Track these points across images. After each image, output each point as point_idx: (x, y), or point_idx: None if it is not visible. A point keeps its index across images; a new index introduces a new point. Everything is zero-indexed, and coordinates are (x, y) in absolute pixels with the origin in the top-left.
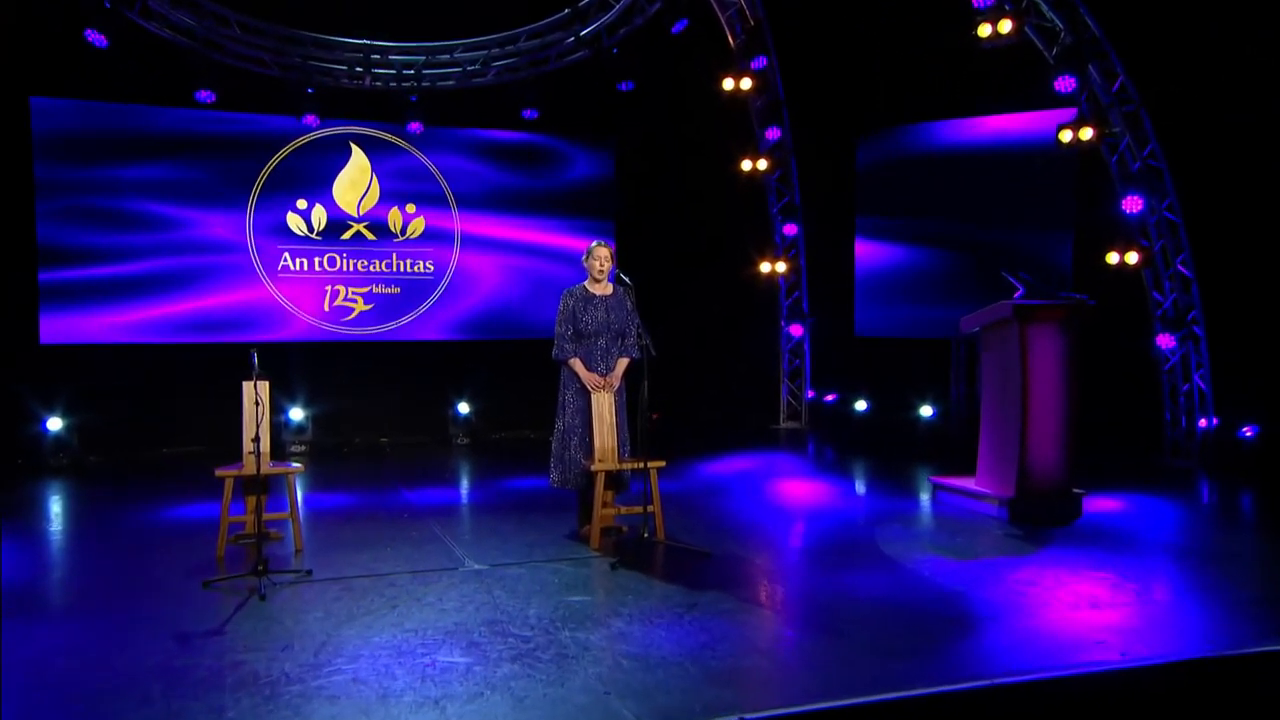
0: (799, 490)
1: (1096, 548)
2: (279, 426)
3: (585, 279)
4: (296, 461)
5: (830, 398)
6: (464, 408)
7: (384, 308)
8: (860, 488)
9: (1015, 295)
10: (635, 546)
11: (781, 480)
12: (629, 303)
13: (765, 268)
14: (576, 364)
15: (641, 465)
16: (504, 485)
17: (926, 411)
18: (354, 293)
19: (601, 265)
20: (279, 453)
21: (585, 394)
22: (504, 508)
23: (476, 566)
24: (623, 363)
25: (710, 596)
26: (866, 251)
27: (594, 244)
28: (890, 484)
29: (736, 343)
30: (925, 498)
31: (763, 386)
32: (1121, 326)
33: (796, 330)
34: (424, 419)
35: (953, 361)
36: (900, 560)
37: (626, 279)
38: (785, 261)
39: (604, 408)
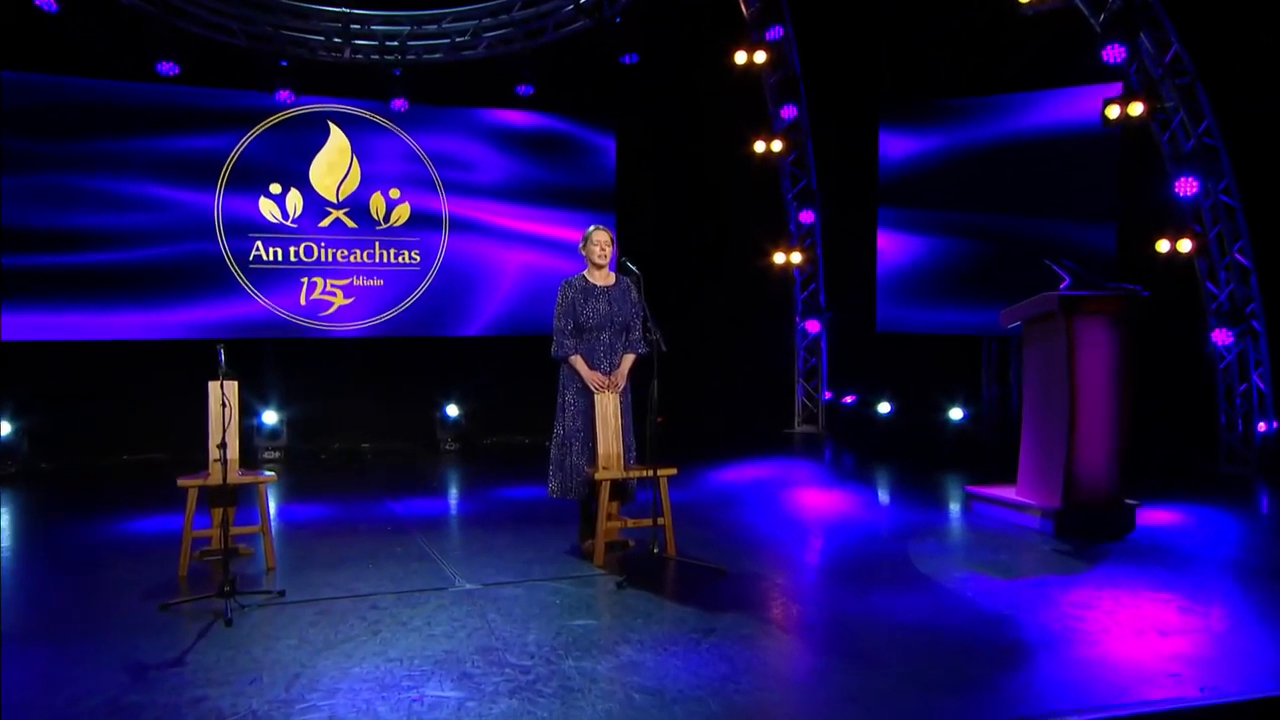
0: (819, 500)
1: (1154, 565)
2: (250, 431)
3: (585, 268)
4: (269, 469)
5: (849, 399)
6: (453, 410)
7: (366, 301)
8: (886, 498)
9: (1061, 286)
10: (643, 563)
11: (799, 489)
12: (634, 293)
13: (779, 258)
14: (577, 361)
15: (650, 473)
16: (497, 495)
17: (956, 415)
18: (333, 285)
19: (602, 251)
20: (249, 460)
21: (587, 394)
22: (498, 520)
23: (468, 586)
24: (628, 359)
25: (729, 620)
26: (890, 240)
27: (592, 229)
28: (919, 494)
29: (747, 340)
30: (959, 509)
31: (775, 387)
32: (1172, 321)
33: (813, 326)
34: (409, 422)
35: (984, 361)
36: (937, 579)
37: (632, 266)
38: (801, 252)
39: (608, 410)
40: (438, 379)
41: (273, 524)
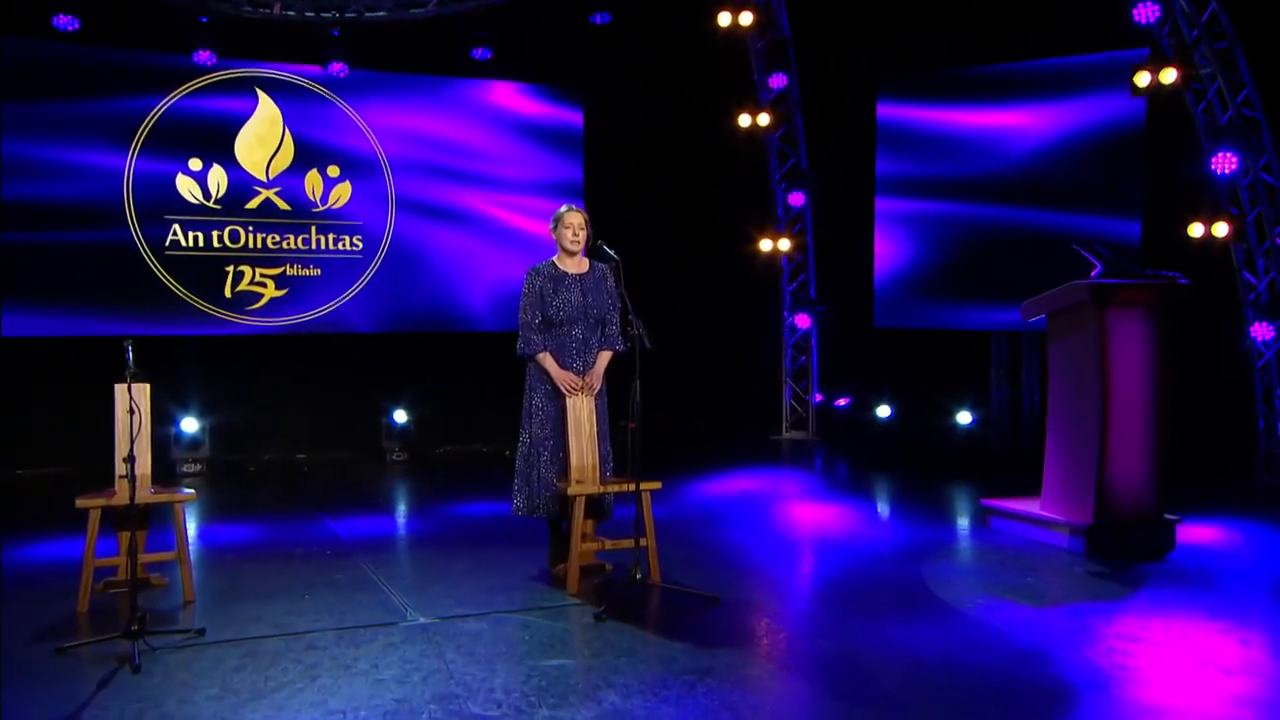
0: (814, 516)
1: (1203, 590)
2: (166, 442)
3: (555, 254)
4: (187, 486)
5: (842, 402)
6: (400, 416)
7: (301, 293)
8: (889, 513)
9: (1092, 273)
10: (624, 591)
11: (791, 503)
12: (611, 281)
13: (765, 245)
14: (547, 360)
15: (631, 487)
16: (453, 512)
17: (964, 419)
18: (263, 275)
19: (575, 235)
20: (165, 475)
21: (558, 397)
22: (454, 541)
23: (422, 620)
24: (604, 357)
25: (726, 658)
26: (889, 226)
27: (563, 209)
28: (926, 508)
29: (729, 336)
30: (973, 525)
31: (761, 389)
32: (1205, 314)
33: (802, 321)
34: (351, 430)
35: (994, 358)
36: (958, 606)
37: (609, 251)
38: (789, 238)
39: (581, 415)
40: (384, 381)
41: (191, 549)
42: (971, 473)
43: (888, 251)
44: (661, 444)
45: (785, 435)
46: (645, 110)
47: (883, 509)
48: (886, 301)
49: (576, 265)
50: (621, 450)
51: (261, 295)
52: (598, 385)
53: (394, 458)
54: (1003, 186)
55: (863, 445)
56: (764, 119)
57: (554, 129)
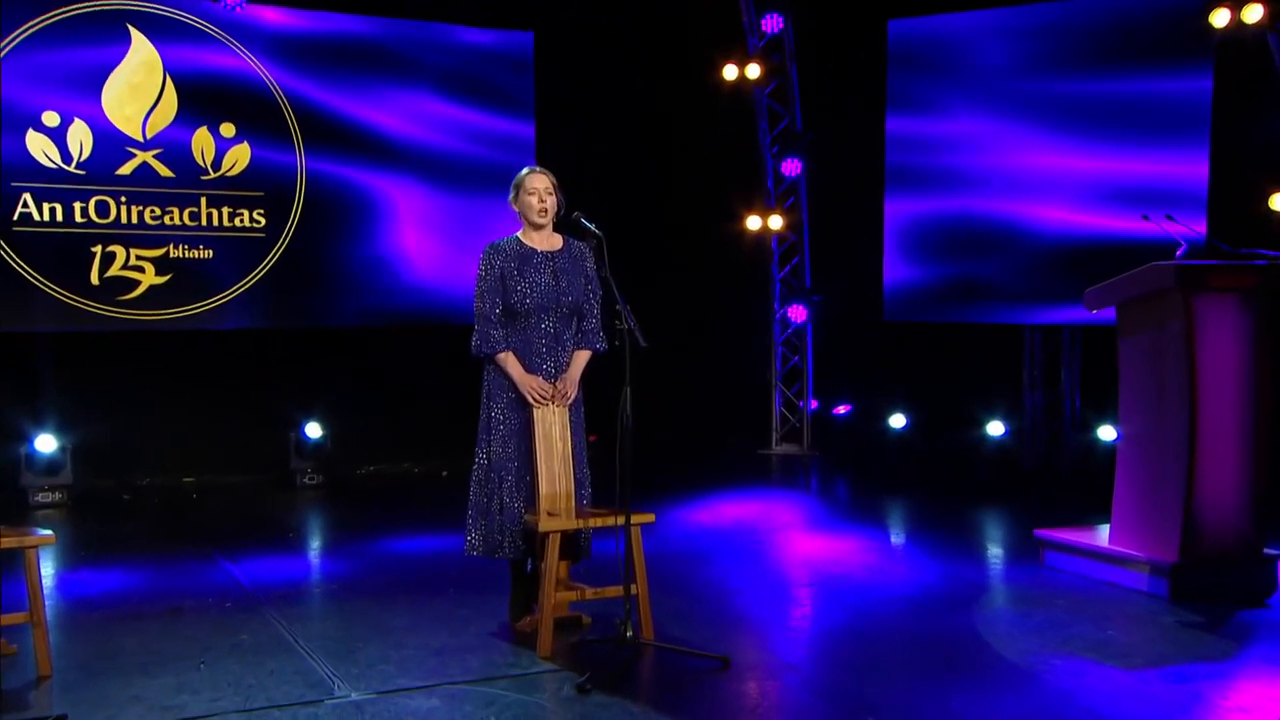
0: (825, 550)
1: None
2: (15, 465)
3: (519, 229)
4: (44, 524)
5: (842, 410)
6: (314, 430)
7: (188, 280)
8: (912, 545)
9: (1177, 253)
10: (611, 653)
11: (794, 534)
12: (590, 262)
13: (752, 223)
14: (509, 361)
15: (617, 520)
16: (385, 550)
17: (995, 429)
18: (140, 257)
19: (541, 204)
20: (15, 509)
21: (523, 408)
22: (389, 588)
23: (354, 696)
24: (581, 358)
25: None
26: (901, 199)
27: (525, 173)
28: (957, 540)
29: (709, 332)
30: (1021, 561)
31: (746, 394)
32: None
33: (796, 314)
34: (252, 447)
35: (1026, 357)
36: (1031, 667)
37: (588, 223)
38: (781, 214)
39: (553, 429)
40: (293, 387)
41: (48, 606)
42: (1004, 495)
43: (900, 229)
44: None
45: (776, 449)
46: (607, 57)
47: (903, 540)
48: (898, 291)
49: (546, 241)
50: (624, 477)
51: (138, 283)
52: (572, 393)
53: (306, 481)
54: (1039, 149)
55: (871, 462)
56: (753, 70)
57: (500, 82)
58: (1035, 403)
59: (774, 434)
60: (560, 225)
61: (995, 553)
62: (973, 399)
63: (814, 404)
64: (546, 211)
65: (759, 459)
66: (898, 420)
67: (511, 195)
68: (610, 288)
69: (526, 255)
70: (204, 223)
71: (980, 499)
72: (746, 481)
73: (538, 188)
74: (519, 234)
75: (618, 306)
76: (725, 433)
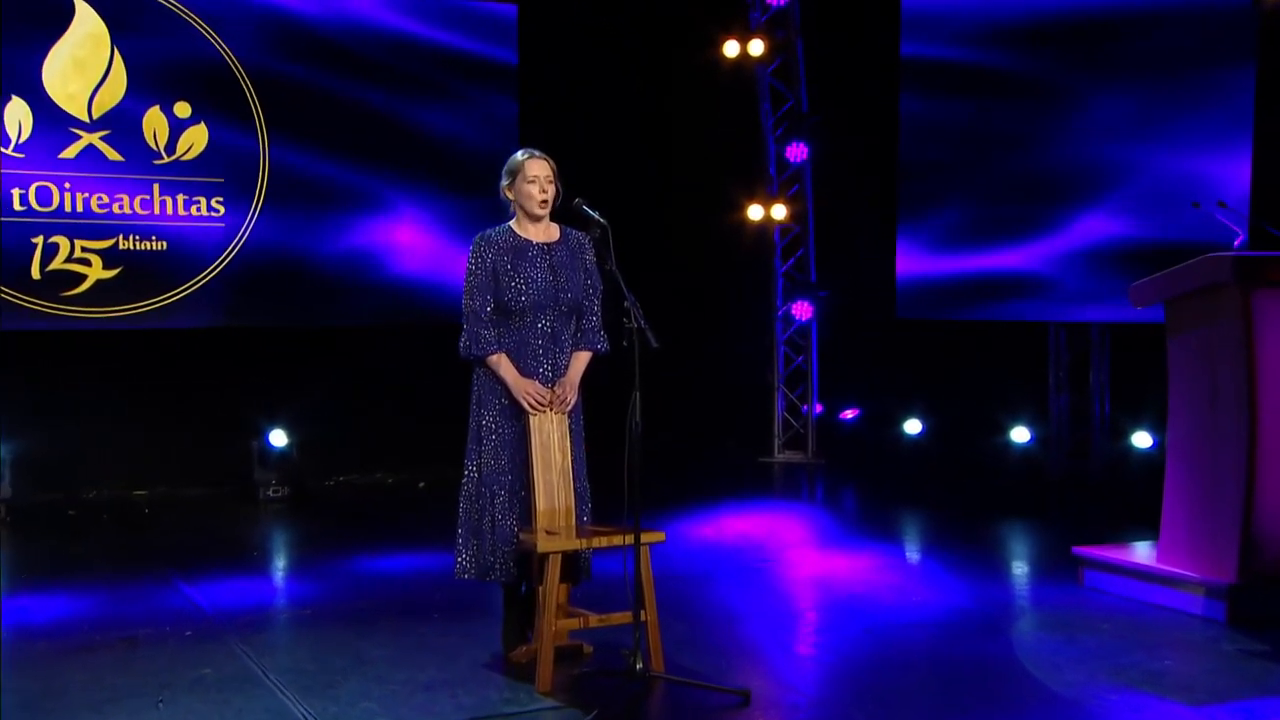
0: (840, 569)
1: None
2: None
3: (512, 219)
4: None
5: (849, 414)
6: (278, 438)
7: (139, 275)
8: (934, 563)
9: (1235, 243)
10: (620, 687)
11: (806, 551)
12: (591, 255)
13: (754, 213)
14: (502, 364)
15: (625, 540)
16: (360, 569)
17: (1021, 436)
18: (86, 249)
19: (543, 192)
20: None
21: (518, 416)
22: (368, 614)
23: None
24: (581, 360)
25: None
26: (916, 185)
27: (522, 157)
28: (983, 557)
29: (705, 330)
30: (1057, 581)
31: (745, 397)
32: None
33: (800, 311)
34: (211, 458)
35: (1051, 358)
36: (1078, 700)
37: (592, 211)
38: (784, 203)
39: (551, 439)
40: (255, 391)
41: None
42: (1028, 508)
43: (914, 220)
44: (615, 472)
45: (778, 457)
46: (597, 32)
47: (923, 558)
48: (912, 286)
49: (543, 232)
50: (636, 489)
51: (84, 277)
52: (572, 398)
53: (270, 493)
54: (1063, 128)
55: (882, 471)
56: (756, 46)
57: (479, 56)
58: (1061, 406)
59: (776, 440)
60: (559, 214)
61: (1027, 571)
62: (994, 403)
63: (819, 408)
64: (548, 202)
65: (760, 467)
66: (913, 426)
67: (505, 182)
68: (617, 282)
69: (521, 248)
70: (157, 211)
71: (1003, 511)
72: (747, 492)
73: (538, 175)
74: (511, 224)
75: (626, 303)
76: (723, 439)
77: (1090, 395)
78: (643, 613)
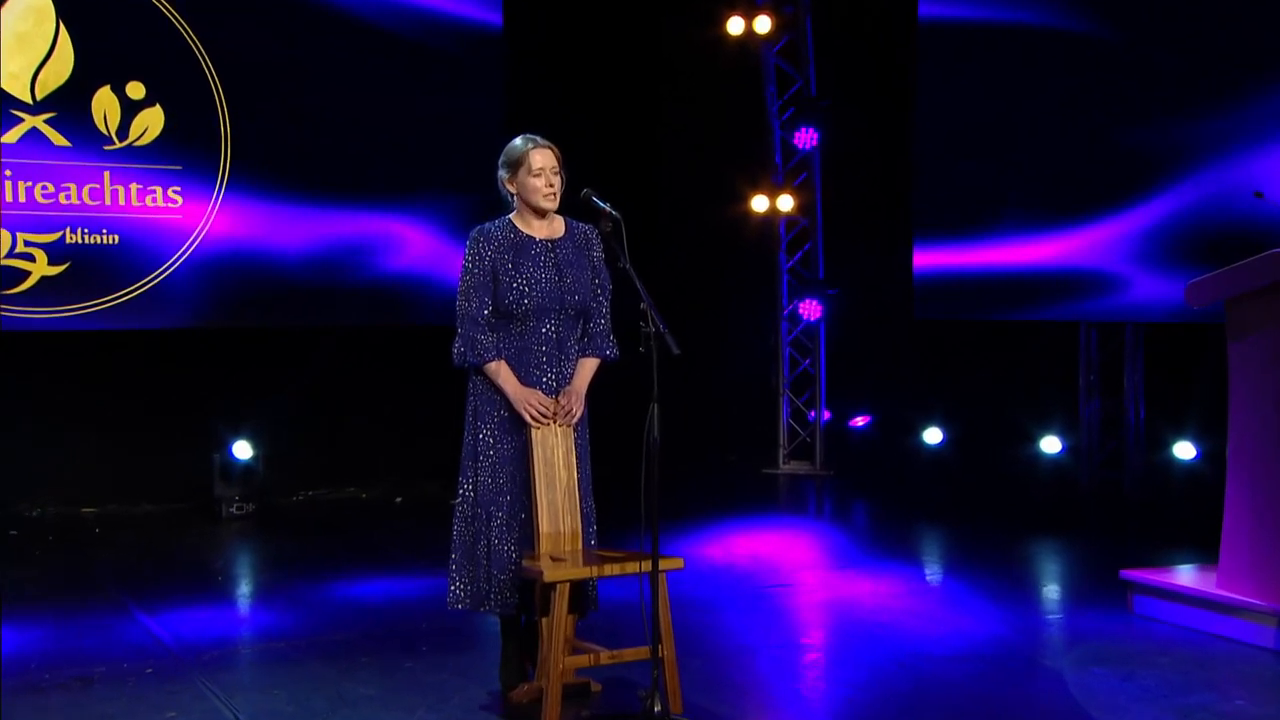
0: (864, 593)
1: None
2: None
3: (512, 212)
4: None
5: (860, 422)
6: (242, 450)
7: (88, 271)
8: (959, 586)
9: None
10: None
11: (824, 573)
12: (599, 252)
13: (758, 204)
14: (501, 372)
15: (640, 567)
16: (336, 596)
17: (1051, 446)
18: (29, 243)
19: (550, 185)
20: None
21: (518, 430)
22: (349, 647)
23: None
24: (588, 367)
25: None
26: (935, 173)
27: (525, 146)
28: (1017, 581)
29: (705, 331)
30: (1104, 607)
31: (748, 404)
32: None
33: (808, 309)
34: (168, 472)
35: (1082, 361)
36: None
37: (602, 203)
38: (791, 194)
39: (555, 455)
40: (216, 400)
41: None
42: (1061, 525)
43: (930, 212)
44: (616, 484)
45: (783, 468)
46: (589, 10)
47: (945, 580)
48: (930, 283)
49: (546, 227)
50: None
51: (27, 273)
52: (578, 410)
53: (234, 510)
54: (1090, 106)
55: (896, 483)
56: (762, 24)
57: (462, 35)
58: (1092, 413)
59: (781, 450)
60: (565, 206)
61: (1067, 596)
62: (1020, 409)
63: (827, 415)
64: (556, 195)
65: (764, 479)
66: (932, 435)
67: (505, 174)
68: (632, 281)
69: (523, 244)
70: (108, 201)
71: (1032, 529)
72: (751, 507)
73: (544, 167)
74: (511, 216)
75: (643, 305)
76: (723, 448)
77: (1124, 401)
78: (660, 648)
